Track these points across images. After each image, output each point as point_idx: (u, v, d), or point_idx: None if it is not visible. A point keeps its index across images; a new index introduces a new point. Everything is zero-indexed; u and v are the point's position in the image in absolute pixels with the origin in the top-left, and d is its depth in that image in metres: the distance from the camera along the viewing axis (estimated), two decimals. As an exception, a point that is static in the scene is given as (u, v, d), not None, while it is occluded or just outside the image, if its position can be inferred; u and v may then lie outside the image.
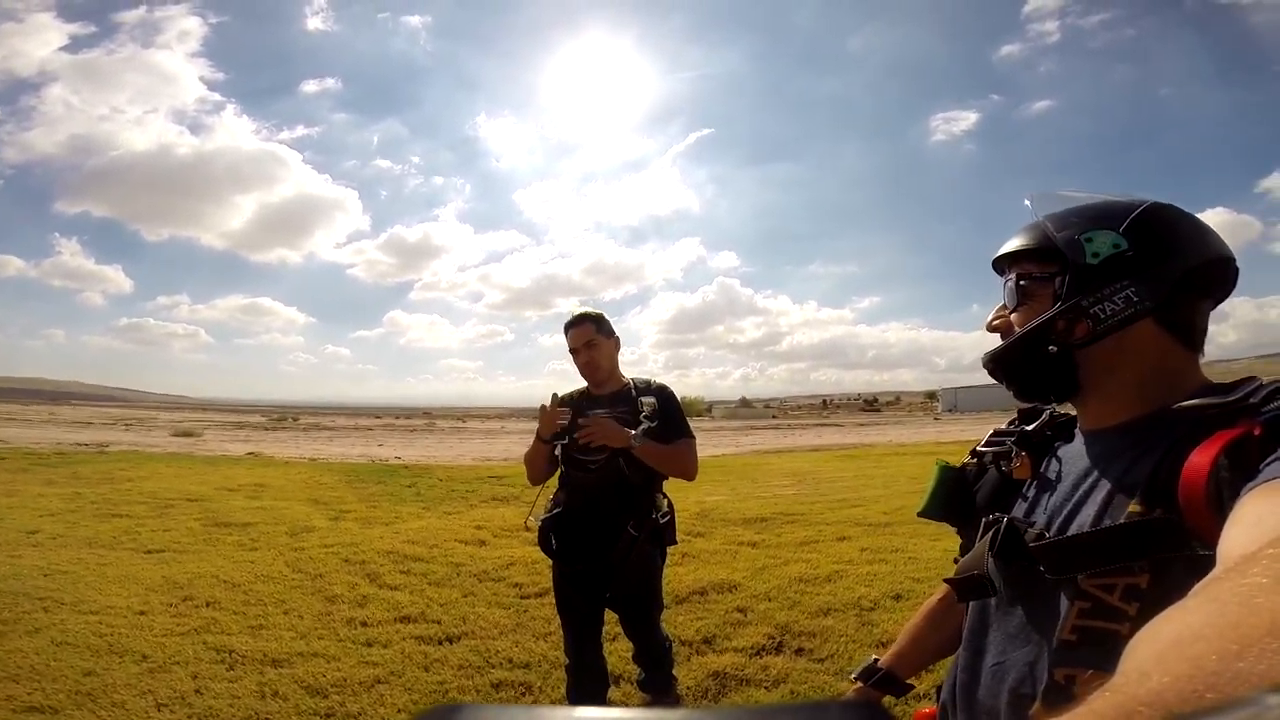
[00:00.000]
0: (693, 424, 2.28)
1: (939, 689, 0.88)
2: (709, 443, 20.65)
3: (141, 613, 3.53)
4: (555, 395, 2.27)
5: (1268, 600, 0.27)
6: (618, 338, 2.31)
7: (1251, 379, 0.64)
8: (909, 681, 1.02)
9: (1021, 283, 0.77)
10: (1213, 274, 0.72)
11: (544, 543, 2.28)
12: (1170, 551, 0.58)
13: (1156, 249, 0.70)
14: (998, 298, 0.83)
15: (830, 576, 4.16)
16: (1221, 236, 0.73)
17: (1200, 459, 0.57)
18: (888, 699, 1.03)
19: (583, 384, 2.32)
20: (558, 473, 2.31)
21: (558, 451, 2.23)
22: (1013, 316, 0.78)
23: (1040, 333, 0.74)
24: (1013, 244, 0.79)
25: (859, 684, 1.03)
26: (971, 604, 0.80)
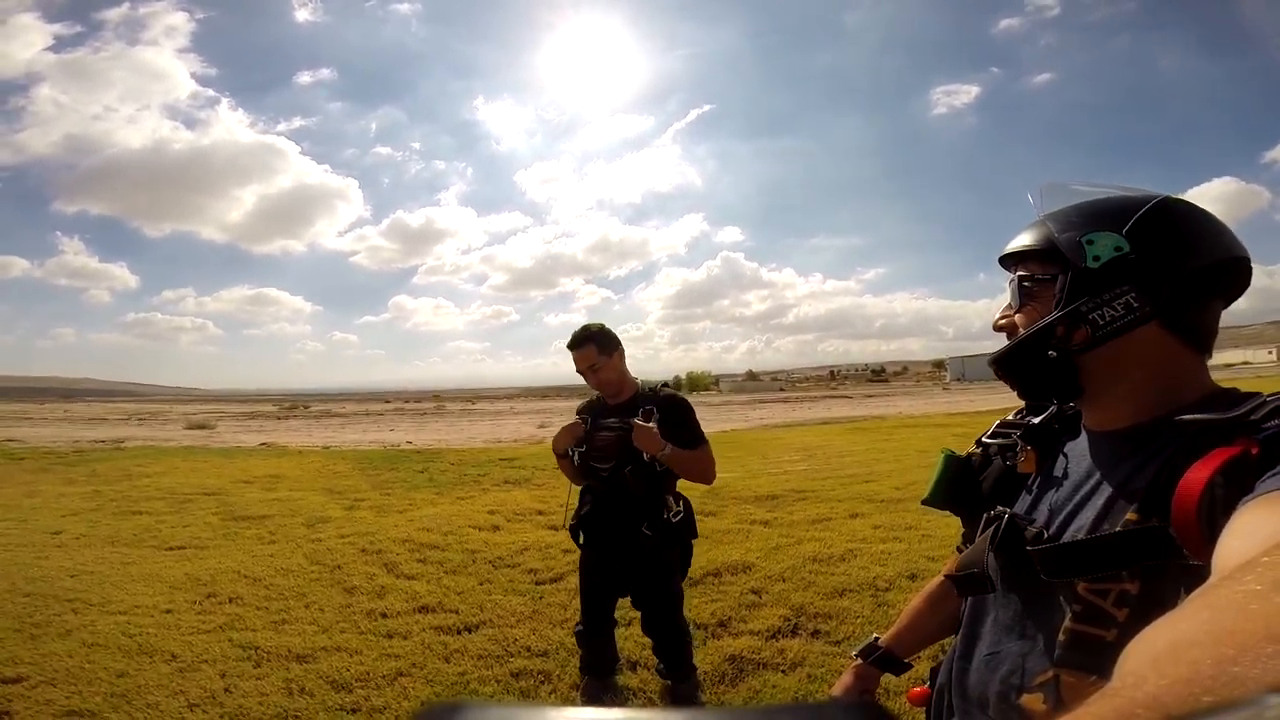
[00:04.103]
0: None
1: (934, 670, 0.91)
2: (718, 418, 20.68)
3: (168, 611, 3.60)
4: (577, 413, 2.44)
5: (1262, 606, 0.28)
6: (621, 349, 2.38)
7: (1256, 395, 0.65)
8: (908, 661, 1.07)
9: (1024, 284, 0.77)
10: (1223, 275, 0.71)
11: (575, 538, 2.51)
12: (1162, 558, 0.60)
13: (1161, 251, 0.69)
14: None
15: (844, 555, 4.19)
16: (1235, 235, 0.72)
17: (1196, 475, 0.57)
18: (886, 676, 1.08)
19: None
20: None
21: (575, 459, 2.35)
22: (1016, 317, 0.79)
23: (1040, 337, 0.74)
24: (1016, 244, 0.79)
25: (859, 661, 1.08)
26: None
